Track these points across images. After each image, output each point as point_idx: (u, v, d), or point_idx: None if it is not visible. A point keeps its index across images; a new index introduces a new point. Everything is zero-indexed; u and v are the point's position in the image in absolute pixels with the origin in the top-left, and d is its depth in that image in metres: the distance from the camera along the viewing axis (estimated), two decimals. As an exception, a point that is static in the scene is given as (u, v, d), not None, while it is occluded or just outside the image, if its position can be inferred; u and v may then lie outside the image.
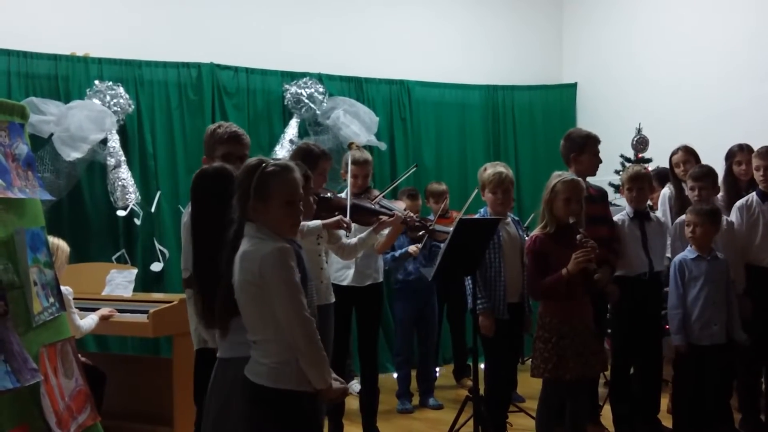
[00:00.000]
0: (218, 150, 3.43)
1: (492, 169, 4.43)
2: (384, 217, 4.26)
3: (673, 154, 5.31)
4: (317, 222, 3.97)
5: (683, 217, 4.63)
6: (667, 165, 5.49)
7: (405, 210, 4.45)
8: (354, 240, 4.25)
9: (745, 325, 4.59)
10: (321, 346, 2.54)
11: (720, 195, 4.96)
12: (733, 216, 4.83)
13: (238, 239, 2.59)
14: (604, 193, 4.92)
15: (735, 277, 4.63)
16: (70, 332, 3.24)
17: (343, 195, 4.29)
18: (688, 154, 5.23)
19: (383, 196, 4.54)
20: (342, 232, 4.34)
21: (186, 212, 3.33)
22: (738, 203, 4.84)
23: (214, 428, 2.87)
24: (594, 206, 4.50)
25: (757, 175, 4.77)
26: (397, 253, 5.55)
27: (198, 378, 3.33)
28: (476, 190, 4.55)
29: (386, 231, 4.46)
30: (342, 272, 4.77)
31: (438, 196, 6.08)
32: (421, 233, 4.73)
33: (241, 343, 2.74)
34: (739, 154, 5.00)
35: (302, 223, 3.86)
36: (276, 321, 2.50)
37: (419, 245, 5.49)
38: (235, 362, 2.75)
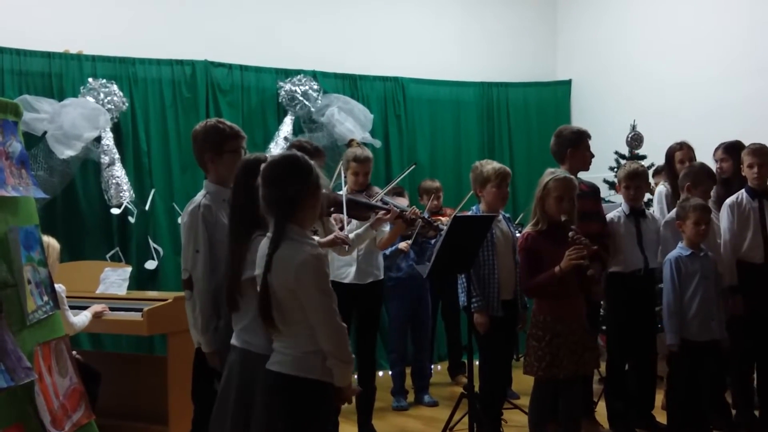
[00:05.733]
0: (229, 145, 3.35)
1: (491, 165, 4.40)
2: (380, 212, 4.26)
3: (676, 150, 5.26)
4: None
5: (672, 213, 4.64)
6: (661, 161, 5.48)
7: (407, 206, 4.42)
8: (351, 236, 4.25)
9: (738, 322, 4.61)
10: (350, 351, 2.62)
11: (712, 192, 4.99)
12: (724, 213, 4.83)
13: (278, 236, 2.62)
14: (596, 189, 4.91)
15: (725, 272, 4.64)
16: (64, 330, 3.24)
17: (341, 192, 4.28)
18: (691, 151, 5.23)
19: (384, 194, 4.53)
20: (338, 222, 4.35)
21: (185, 212, 3.29)
22: (728, 201, 4.83)
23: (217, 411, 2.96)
24: (586, 202, 4.48)
25: (750, 173, 4.75)
26: (387, 251, 5.52)
27: (196, 376, 3.34)
28: (471, 193, 4.53)
29: (387, 227, 4.44)
30: (344, 270, 4.75)
31: (431, 193, 6.09)
32: (412, 229, 4.72)
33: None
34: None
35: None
36: (304, 317, 2.57)
37: (409, 241, 5.48)
38: (234, 350, 2.90)
